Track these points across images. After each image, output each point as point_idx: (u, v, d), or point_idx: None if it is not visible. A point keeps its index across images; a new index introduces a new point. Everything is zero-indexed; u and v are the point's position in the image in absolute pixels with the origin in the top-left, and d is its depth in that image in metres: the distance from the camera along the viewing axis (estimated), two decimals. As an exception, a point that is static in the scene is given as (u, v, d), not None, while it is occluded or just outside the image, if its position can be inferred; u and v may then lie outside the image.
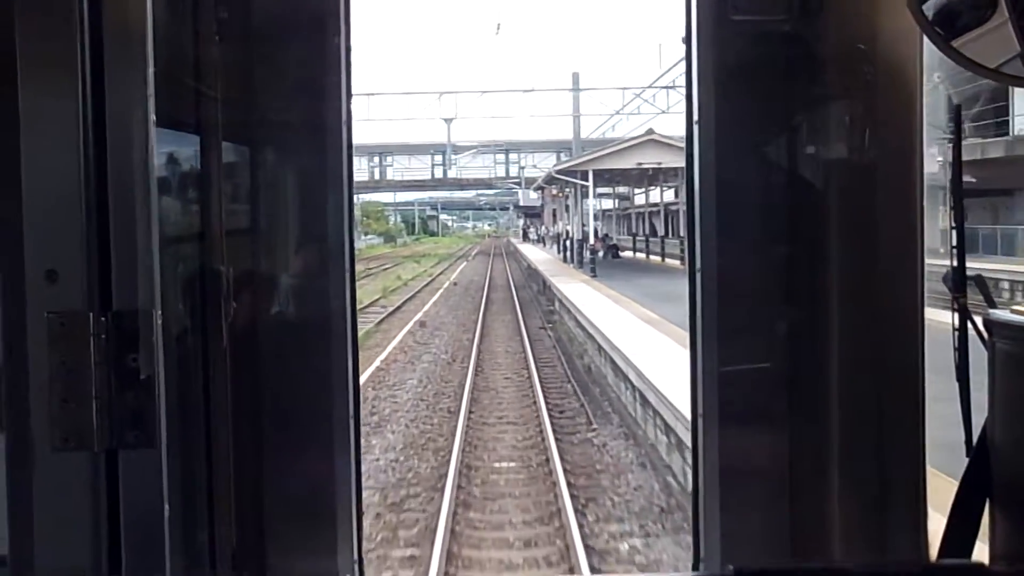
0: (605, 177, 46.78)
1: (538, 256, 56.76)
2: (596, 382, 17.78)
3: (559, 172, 46.95)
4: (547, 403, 15.63)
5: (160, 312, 1.64)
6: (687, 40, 2.48)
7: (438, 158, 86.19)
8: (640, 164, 42.32)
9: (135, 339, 1.60)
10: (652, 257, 46.31)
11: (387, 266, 56.11)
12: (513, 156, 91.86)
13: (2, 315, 1.64)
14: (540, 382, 17.42)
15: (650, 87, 57.42)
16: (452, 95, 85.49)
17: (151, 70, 1.65)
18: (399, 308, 31.52)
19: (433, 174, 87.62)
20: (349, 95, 2.52)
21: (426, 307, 32.38)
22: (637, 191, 68.53)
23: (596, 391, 17.05)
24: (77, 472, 1.61)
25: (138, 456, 1.63)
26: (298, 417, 2.51)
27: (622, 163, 43.24)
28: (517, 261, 64.61)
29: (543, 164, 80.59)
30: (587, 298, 25.81)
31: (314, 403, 2.51)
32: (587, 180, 43.18)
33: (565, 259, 46.63)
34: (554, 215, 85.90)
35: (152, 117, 1.67)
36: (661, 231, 56.60)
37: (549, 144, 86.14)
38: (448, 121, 74.29)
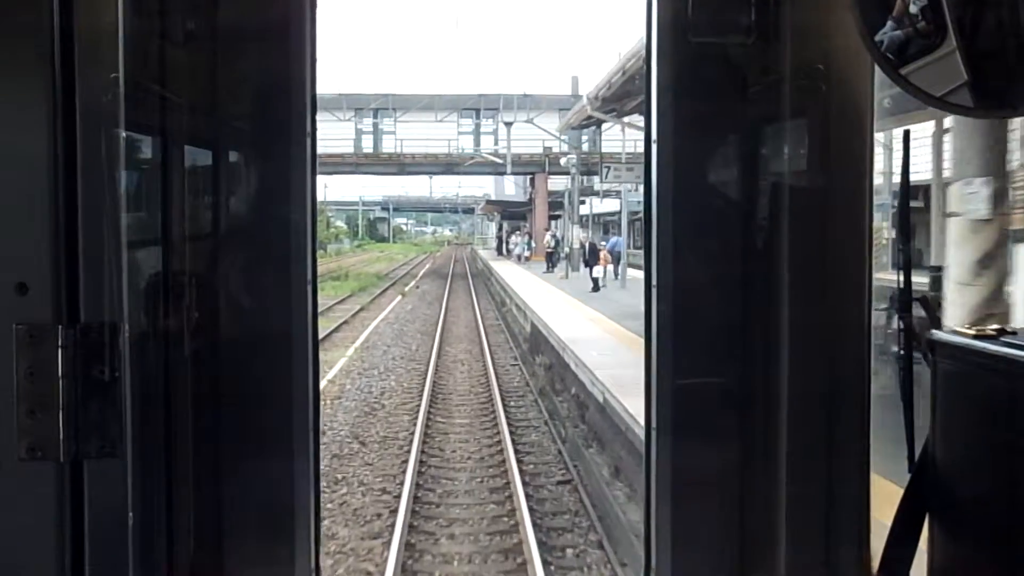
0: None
1: (549, 303, 25.05)
2: None
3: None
4: None
5: (127, 325, 1.68)
6: (647, 60, 2.59)
7: (366, 121, 54.01)
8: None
9: (102, 351, 1.64)
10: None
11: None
12: (488, 123, 59.61)
13: None
14: None
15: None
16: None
17: (123, 87, 1.70)
18: None
19: (358, 146, 55.22)
20: (314, 105, 2.55)
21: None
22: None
23: None
24: (42, 482, 1.64)
25: (103, 466, 1.67)
26: (259, 425, 2.54)
27: None
28: (494, 302, 33.65)
29: (541, 122, 48.47)
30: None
31: (274, 411, 2.54)
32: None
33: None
34: (554, 213, 54.11)
35: (123, 132, 1.76)
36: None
37: (546, 100, 54.37)
38: None
